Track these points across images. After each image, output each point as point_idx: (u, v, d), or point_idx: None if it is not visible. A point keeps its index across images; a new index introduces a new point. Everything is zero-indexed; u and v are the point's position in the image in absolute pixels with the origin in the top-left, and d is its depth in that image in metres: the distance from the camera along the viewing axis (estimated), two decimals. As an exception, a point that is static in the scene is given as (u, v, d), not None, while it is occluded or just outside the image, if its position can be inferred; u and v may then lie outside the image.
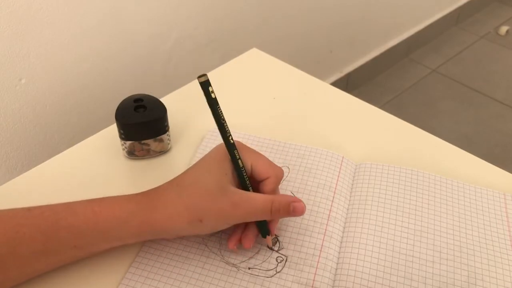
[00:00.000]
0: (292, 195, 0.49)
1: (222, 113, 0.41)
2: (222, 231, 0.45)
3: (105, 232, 0.39)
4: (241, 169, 0.42)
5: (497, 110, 1.68)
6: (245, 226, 0.44)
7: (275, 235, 0.45)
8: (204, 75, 0.39)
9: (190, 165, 0.43)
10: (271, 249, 0.44)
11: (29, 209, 0.39)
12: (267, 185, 0.42)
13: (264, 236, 0.43)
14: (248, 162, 0.43)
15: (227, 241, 0.43)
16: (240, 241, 0.43)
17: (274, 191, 0.43)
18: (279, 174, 0.43)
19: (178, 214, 0.39)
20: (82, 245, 0.39)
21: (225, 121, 0.41)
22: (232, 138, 0.41)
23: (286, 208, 0.41)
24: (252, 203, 0.40)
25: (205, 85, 0.39)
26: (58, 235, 0.38)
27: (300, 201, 0.42)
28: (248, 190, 0.42)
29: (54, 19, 0.77)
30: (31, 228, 0.37)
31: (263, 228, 0.43)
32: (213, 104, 0.40)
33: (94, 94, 0.90)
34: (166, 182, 0.42)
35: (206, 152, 0.44)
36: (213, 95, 0.40)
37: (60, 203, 0.40)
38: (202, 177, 0.40)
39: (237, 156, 0.42)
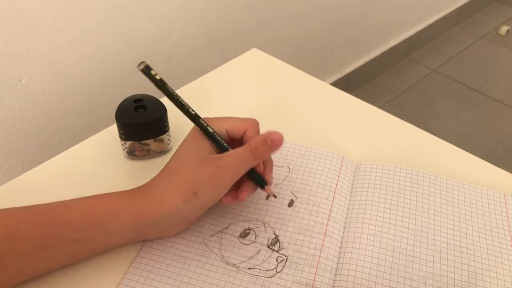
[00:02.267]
0: (293, 195, 0.49)
1: (173, 90, 0.41)
2: (221, 231, 0.45)
3: (102, 226, 0.39)
4: (213, 134, 0.43)
5: (497, 110, 1.68)
6: (240, 183, 0.43)
7: (275, 235, 0.45)
8: (142, 62, 0.40)
9: None
10: (274, 196, 0.44)
11: (26, 208, 0.39)
12: (248, 136, 0.43)
13: (262, 187, 0.44)
14: (221, 128, 0.43)
15: (222, 198, 0.43)
16: (236, 197, 0.43)
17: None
18: (254, 124, 0.44)
19: (171, 195, 0.40)
20: (81, 239, 0.39)
21: (179, 97, 0.42)
22: (192, 110, 0.42)
23: (264, 143, 0.41)
24: (235, 157, 0.41)
25: (147, 70, 0.40)
26: (56, 230, 0.38)
27: (275, 132, 0.41)
28: (227, 150, 0.43)
29: (54, 19, 0.77)
30: (30, 226, 0.38)
31: (259, 180, 0.43)
32: (161, 84, 0.41)
33: (94, 94, 0.90)
34: (156, 175, 0.43)
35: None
36: (157, 77, 0.40)
37: (57, 201, 0.40)
38: (183, 157, 0.42)
39: (204, 124, 0.42)
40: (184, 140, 0.44)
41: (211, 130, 0.42)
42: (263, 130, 0.57)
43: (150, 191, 0.41)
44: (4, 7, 0.70)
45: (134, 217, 0.40)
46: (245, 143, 0.43)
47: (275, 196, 0.44)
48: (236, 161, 0.41)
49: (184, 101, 0.42)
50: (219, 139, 0.43)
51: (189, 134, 0.44)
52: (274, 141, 0.41)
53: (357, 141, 0.57)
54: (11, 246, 0.37)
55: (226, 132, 0.44)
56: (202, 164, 0.40)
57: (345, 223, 0.47)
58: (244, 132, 0.44)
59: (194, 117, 0.42)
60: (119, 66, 0.91)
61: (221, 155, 0.41)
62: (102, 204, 0.40)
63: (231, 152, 0.42)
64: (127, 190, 0.42)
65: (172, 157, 0.43)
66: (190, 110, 0.42)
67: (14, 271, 0.38)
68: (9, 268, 0.38)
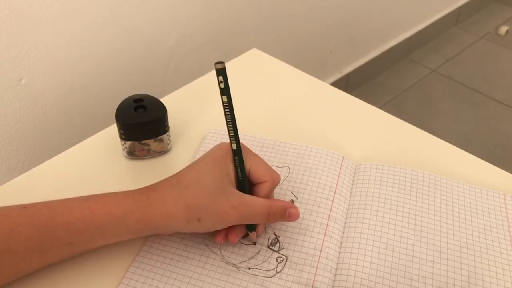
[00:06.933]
0: (293, 195, 0.49)
1: (232, 103, 0.41)
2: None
3: (101, 229, 0.39)
4: (244, 170, 0.42)
5: (497, 110, 1.68)
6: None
7: (275, 235, 0.45)
8: (222, 62, 0.40)
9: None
10: (254, 244, 0.44)
11: (24, 207, 0.39)
12: (263, 189, 0.43)
13: (250, 231, 0.43)
14: (247, 164, 0.43)
15: (215, 236, 0.43)
16: (226, 236, 0.43)
17: (269, 195, 0.44)
18: (275, 179, 0.44)
19: (178, 211, 0.39)
20: (78, 241, 0.39)
21: (234, 113, 0.41)
22: (238, 136, 0.42)
23: (282, 213, 0.42)
24: (251, 207, 0.40)
25: (223, 72, 0.40)
26: (54, 232, 0.38)
27: (295, 207, 0.42)
28: (246, 192, 0.42)
29: (54, 19, 0.77)
30: (27, 226, 0.37)
31: (251, 224, 0.43)
32: (227, 92, 0.40)
33: (94, 94, 0.90)
34: (165, 179, 0.42)
35: (206, 152, 0.44)
36: (227, 84, 0.40)
37: (56, 200, 0.39)
38: (203, 176, 0.40)
39: (242, 158, 0.42)
40: (210, 156, 0.42)
41: (247, 166, 0.42)
42: (263, 132, 0.57)
43: (158, 201, 0.39)
44: (4, 7, 0.70)
45: (136, 222, 0.39)
46: (256, 190, 0.43)
47: (254, 243, 0.44)
48: (250, 212, 0.40)
49: (235, 120, 0.41)
50: (245, 179, 0.42)
51: (218, 152, 0.42)
52: (291, 216, 0.42)
53: (357, 141, 0.57)
54: (7, 246, 0.37)
55: (249, 170, 0.43)
56: (220, 196, 0.39)
57: (345, 223, 0.47)
58: (263, 182, 0.43)
59: (237, 139, 0.41)
60: (119, 66, 0.91)
61: (239, 194, 0.41)
62: (103, 206, 0.39)
63: (250, 200, 0.41)
64: (132, 192, 0.41)
65: (190, 168, 0.42)
66: (237, 130, 0.41)
67: (9, 270, 0.38)
68: (5, 267, 0.37)
